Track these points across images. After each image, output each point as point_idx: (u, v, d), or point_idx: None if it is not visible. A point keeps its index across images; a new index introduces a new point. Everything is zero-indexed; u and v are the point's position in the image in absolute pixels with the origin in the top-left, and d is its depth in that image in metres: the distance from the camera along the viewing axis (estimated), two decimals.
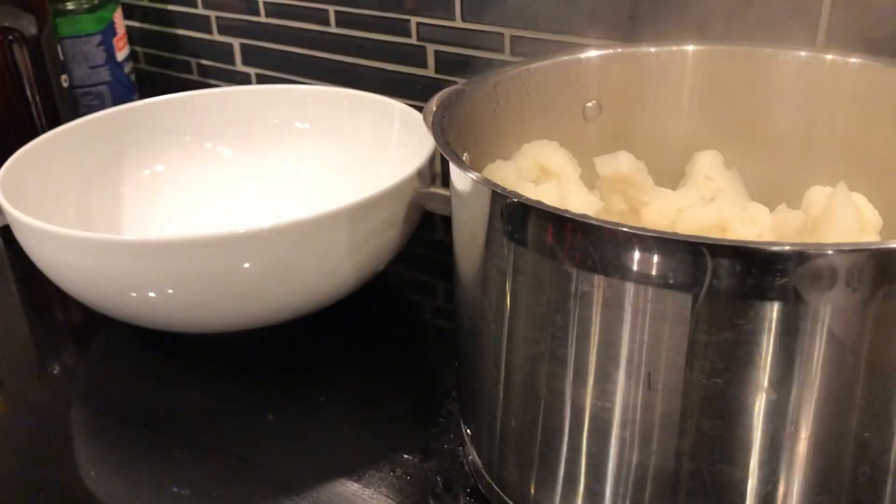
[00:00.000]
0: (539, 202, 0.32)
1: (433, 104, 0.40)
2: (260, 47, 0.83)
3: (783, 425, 0.30)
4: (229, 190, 0.68)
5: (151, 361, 0.55)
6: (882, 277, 0.28)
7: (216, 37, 0.87)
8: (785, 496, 0.32)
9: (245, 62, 0.86)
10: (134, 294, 0.49)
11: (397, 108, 0.64)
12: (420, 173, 0.53)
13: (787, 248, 0.27)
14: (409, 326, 0.58)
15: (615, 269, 0.30)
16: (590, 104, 0.48)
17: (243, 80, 0.87)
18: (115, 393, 0.53)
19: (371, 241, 0.51)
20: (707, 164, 0.46)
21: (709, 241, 0.29)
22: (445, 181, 0.67)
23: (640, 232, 0.30)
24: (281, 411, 0.49)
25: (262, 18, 0.81)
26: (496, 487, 0.40)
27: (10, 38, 0.71)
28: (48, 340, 0.59)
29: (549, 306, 0.33)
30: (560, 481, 0.36)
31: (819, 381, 0.30)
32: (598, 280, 0.31)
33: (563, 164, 0.45)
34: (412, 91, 0.72)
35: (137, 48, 0.94)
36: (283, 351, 0.54)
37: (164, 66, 0.94)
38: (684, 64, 0.48)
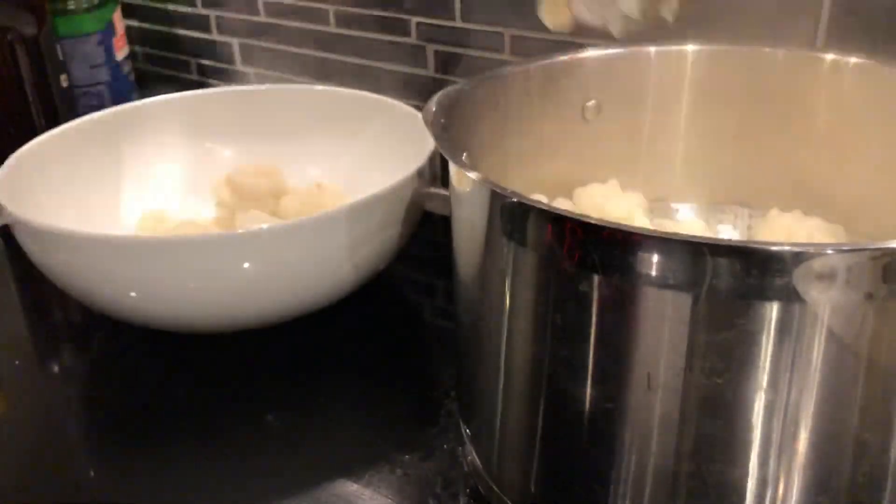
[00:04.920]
0: (538, 202, 0.32)
1: (433, 104, 0.40)
2: (260, 47, 0.83)
3: (783, 425, 0.30)
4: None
5: (151, 361, 0.55)
6: (882, 277, 0.28)
7: (216, 36, 0.87)
8: (784, 496, 0.32)
9: (245, 62, 0.86)
10: (134, 294, 0.49)
11: (397, 108, 0.64)
12: (420, 173, 0.53)
13: (786, 248, 0.27)
14: (409, 326, 0.58)
15: (615, 269, 0.30)
16: (590, 104, 0.48)
17: (243, 80, 0.87)
18: (115, 393, 0.53)
19: (371, 241, 0.51)
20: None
21: (709, 241, 0.29)
22: (445, 181, 0.67)
23: (639, 232, 0.30)
24: (281, 411, 0.49)
25: (262, 18, 0.81)
26: (496, 487, 0.40)
27: (10, 37, 0.71)
28: (48, 340, 0.59)
29: (549, 306, 0.33)
30: (559, 481, 0.36)
31: (819, 381, 0.30)
32: (598, 280, 0.31)
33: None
34: (412, 91, 0.72)
35: (137, 48, 0.94)
36: (283, 351, 0.54)
37: (164, 66, 0.94)
38: (684, 64, 0.48)
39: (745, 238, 0.49)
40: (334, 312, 0.54)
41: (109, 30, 0.81)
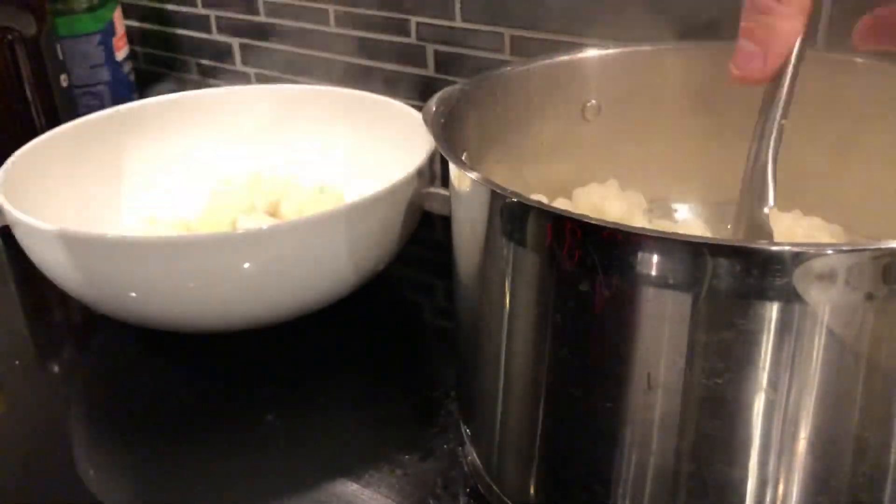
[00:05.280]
0: (538, 202, 0.32)
1: (433, 104, 0.40)
2: (260, 47, 0.83)
3: (783, 425, 0.30)
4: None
5: (151, 361, 0.55)
6: (882, 277, 0.28)
7: (216, 36, 0.87)
8: (784, 496, 0.32)
9: (245, 62, 0.86)
10: (134, 294, 0.49)
11: (397, 108, 0.64)
12: (420, 173, 0.53)
13: (787, 248, 0.27)
14: (408, 326, 0.58)
15: (614, 268, 0.30)
16: (590, 104, 0.48)
17: (243, 80, 0.87)
18: (115, 393, 0.53)
19: (371, 241, 0.51)
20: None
21: (709, 241, 0.29)
22: (445, 181, 0.67)
23: (639, 232, 0.30)
24: (281, 411, 0.49)
25: (262, 18, 0.81)
26: (496, 487, 0.40)
27: (10, 37, 0.71)
28: (48, 340, 0.59)
29: (549, 306, 0.33)
30: (559, 481, 0.36)
31: (819, 381, 0.30)
32: (598, 280, 0.31)
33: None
34: (412, 91, 0.72)
35: (137, 48, 0.94)
36: (284, 351, 0.54)
37: (164, 66, 0.94)
38: (684, 64, 0.48)
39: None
40: (334, 312, 0.54)
41: (109, 30, 0.81)
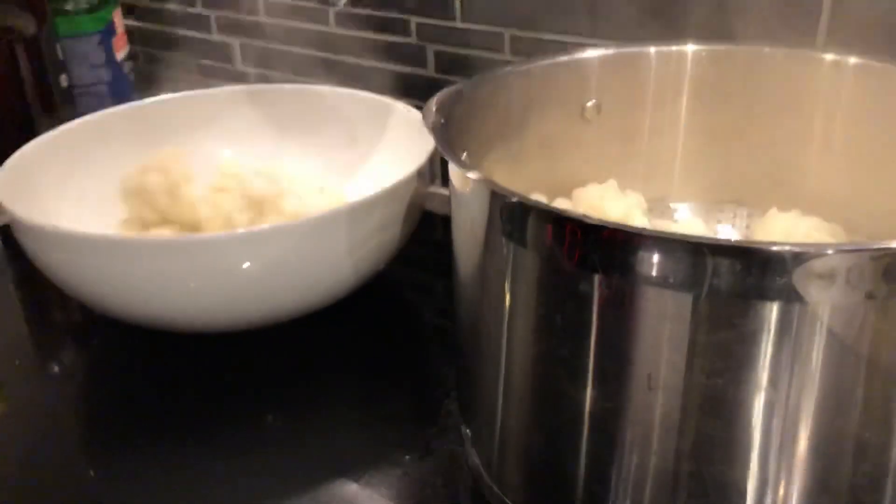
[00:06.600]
0: (538, 202, 0.32)
1: (433, 104, 0.40)
2: (260, 47, 0.83)
3: (783, 425, 0.30)
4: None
5: (151, 361, 0.55)
6: (882, 277, 0.28)
7: (216, 36, 0.87)
8: (785, 496, 0.32)
9: (245, 62, 0.86)
10: (134, 294, 0.49)
11: (397, 108, 0.64)
12: (420, 173, 0.53)
13: (787, 247, 0.27)
14: (409, 326, 0.58)
15: (615, 269, 0.30)
16: (589, 104, 0.48)
17: (243, 79, 0.87)
18: (115, 393, 0.53)
19: (371, 240, 0.51)
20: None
21: (709, 241, 0.29)
22: (445, 181, 0.67)
23: (639, 232, 0.30)
24: (281, 411, 0.49)
25: (262, 18, 0.81)
26: (496, 488, 0.40)
27: (10, 37, 0.71)
28: (48, 340, 0.59)
29: (549, 306, 0.33)
30: (560, 482, 0.36)
31: (819, 381, 0.30)
32: (598, 280, 0.31)
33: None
34: (412, 91, 0.72)
35: (137, 48, 0.94)
36: (284, 351, 0.54)
37: (164, 66, 0.94)
38: (684, 64, 0.48)
39: (743, 238, 0.49)
40: (334, 312, 0.54)
41: (109, 30, 0.81)
